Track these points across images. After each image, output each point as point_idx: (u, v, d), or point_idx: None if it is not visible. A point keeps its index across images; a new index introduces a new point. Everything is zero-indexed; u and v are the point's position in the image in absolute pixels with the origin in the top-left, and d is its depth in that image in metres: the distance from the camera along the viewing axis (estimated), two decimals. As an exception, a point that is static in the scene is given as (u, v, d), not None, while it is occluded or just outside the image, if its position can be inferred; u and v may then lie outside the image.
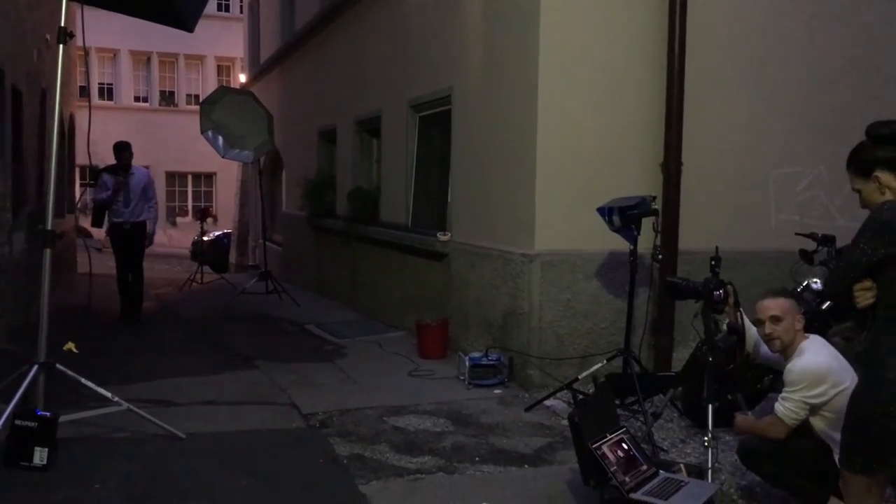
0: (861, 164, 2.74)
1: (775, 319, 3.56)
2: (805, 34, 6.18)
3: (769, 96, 6.10)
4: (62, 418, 4.16)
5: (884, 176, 2.67)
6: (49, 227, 4.27)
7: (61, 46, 4.12)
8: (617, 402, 5.16)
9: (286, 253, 13.70)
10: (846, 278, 2.70)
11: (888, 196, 2.67)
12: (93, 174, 8.46)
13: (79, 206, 20.99)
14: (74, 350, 4.34)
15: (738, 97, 6.03)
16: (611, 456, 3.61)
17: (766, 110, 6.11)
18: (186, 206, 27.50)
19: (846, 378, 3.32)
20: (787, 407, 3.46)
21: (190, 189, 28.16)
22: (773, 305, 3.59)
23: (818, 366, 3.42)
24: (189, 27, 4.90)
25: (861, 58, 6.28)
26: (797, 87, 6.17)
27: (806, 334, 3.63)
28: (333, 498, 3.86)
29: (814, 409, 3.44)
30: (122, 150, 8.47)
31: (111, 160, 8.47)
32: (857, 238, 2.68)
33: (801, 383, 3.43)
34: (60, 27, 4.10)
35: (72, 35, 4.20)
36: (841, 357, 3.55)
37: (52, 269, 4.25)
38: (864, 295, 2.68)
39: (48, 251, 4.24)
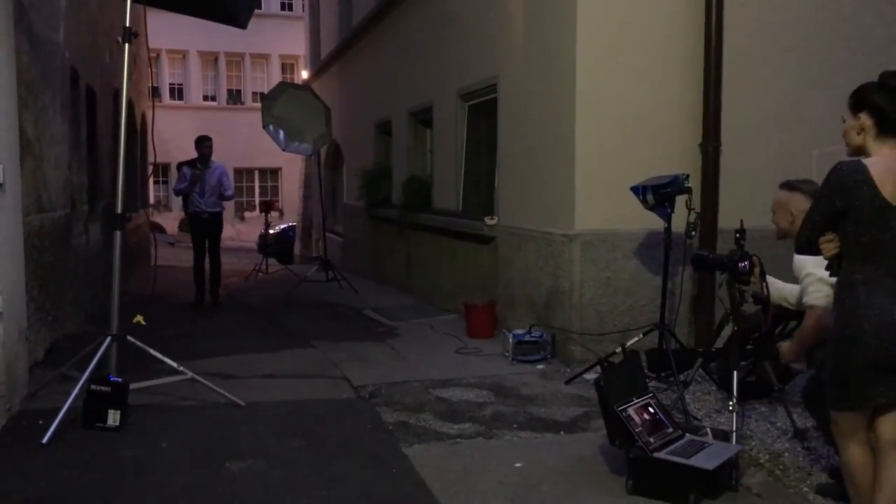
0: (856, 99, 2.89)
1: (773, 212, 3.97)
2: (847, 11, 6.21)
3: (810, 75, 6.15)
4: (133, 386, 4.56)
5: (865, 120, 2.83)
6: (119, 211, 4.67)
7: (126, 45, 4.50)
8: (653, 375, 5.35)
9: (347, 243, 14.12)
10: (810, 233, 2.90)
11: (861, 139, 2.85)
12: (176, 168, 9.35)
13: (152, 202, 21.91)
14: (143, 322, 4.73)
15: (778, 76, 6.11)
16: (636, 418, 3.81)
17: (807, 89, 6.16)
18: (254, 200, 28.31)
19: None
20: (810, 293, 3.69)
21: (257, 184, 29.01)
22: (774, 199, 4.00)
23: None
24: (242, 24, 5.24)
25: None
26: (839, 66, 6.18)
27: None
28: (377, 458, 4.14)
29: None
30: (202, 141, 9.24)
31: (182, 157, 9.17)
32: (819, 194, 2.89)
33: (805, 267, 3.64)
34: (125, 27, 4.48)
35: (136, 35, 4.57)
36: None
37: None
38: (828, 246, 2.87)
39: (118, 233, 4.64)
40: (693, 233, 5.22)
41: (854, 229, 2.78)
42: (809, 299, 3.80)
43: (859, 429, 2.90)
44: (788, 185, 4.06)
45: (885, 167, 2.76)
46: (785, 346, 4.15)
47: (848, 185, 2.75)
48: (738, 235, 4.14)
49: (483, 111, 7.87)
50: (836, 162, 2.85)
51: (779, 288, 4.26)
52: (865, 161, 2.79)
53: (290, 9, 28.61)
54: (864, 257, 2.78)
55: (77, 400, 4.34)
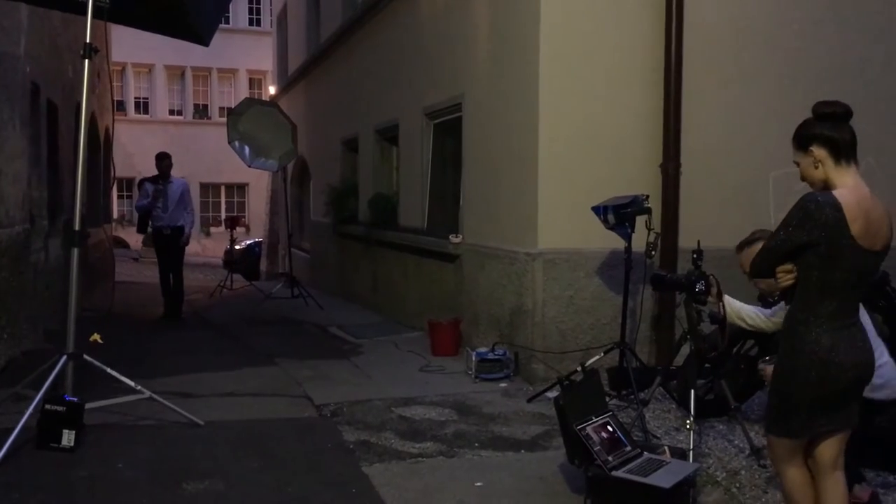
0: (801, 138, 2.89)
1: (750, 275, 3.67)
2: (803, 36, 6.35)
3: (767, 98, 6.27)
4: (89, 405, 4.48)
5: (818, 152, 2.82)
6: (77, 228, 4.62)
7: (87, 61, 4.47)
8: (614, 393, 5.40)
9: (313, 259, 14.07)
10: (770, 260, 2.88)
11: (821, 171, 2.82)
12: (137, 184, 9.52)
13: (116, 217, 21.65)
14: (99, 341, 4.66)
15: (736, 99, 6.22)
16: (595, 437, 3.83)
17: (763, 112, 6.26)
18: (220, 216, 28.11)
19: None
20: None
21: (223, 199, 28.82)
22: (744, 261, 3.77)
23: None
24: (205, 42, 5.24)
25: (860, 59, 6.43)
26: (794, 90, 6.31)
27: None
28: (337, 478, 4.11)
29: None
30: (162, 159, 9.46)
31: (147, 172, 9.21)
32: (782, 224, 2.83)
33: None
34: (86, 43, 4.45)
35: (96, 50, 4.54)
36: None
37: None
38: (786, 277, 2.87)
39: (76, 250, 4.58)
40: (653, 252, 5.28)
41: (814, 263, 2.75)
42: None
43: (796, 453, 2.94)
44: (745, 243, 3.98)
45: (856, 202, 2.71)
46: (767, 369, 4.04)
47: (818, 219, 2.69)
48: (695, 256, 4.19)
49: (449, 129, 7.92)
50: (808, 192, 2.81)
51: (736, 308, 4.24)
52: (837, 195, 2.73)
53: (259, 24, 28.59)
54: (819, 292, 2.77)
55: (31, 420, 4.25)
